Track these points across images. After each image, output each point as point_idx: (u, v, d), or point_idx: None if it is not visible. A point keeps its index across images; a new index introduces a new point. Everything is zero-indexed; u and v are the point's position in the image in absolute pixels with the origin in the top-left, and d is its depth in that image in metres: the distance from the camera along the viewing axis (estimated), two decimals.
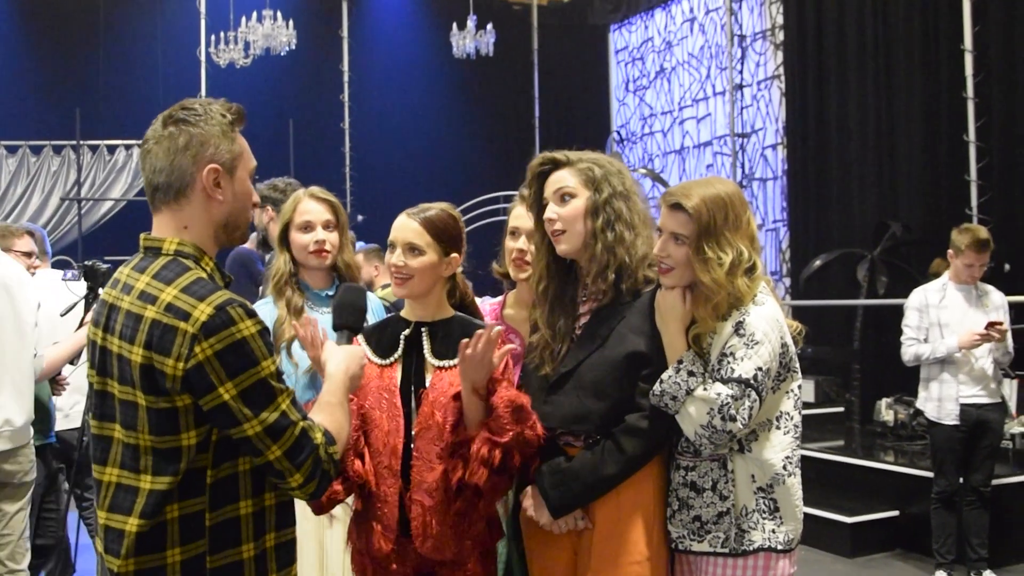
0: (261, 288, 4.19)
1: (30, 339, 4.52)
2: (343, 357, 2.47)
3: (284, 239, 3.54)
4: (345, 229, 3.58)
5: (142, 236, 2.24)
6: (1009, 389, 6.39)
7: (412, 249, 2.82)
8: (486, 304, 3.41)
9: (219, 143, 2.18)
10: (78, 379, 5.04)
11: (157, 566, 2.09)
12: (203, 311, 2.04)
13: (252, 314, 2.11)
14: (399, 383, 2.82)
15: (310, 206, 3.52)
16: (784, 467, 2.74)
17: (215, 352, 2.03)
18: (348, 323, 2.72)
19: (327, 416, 2.26)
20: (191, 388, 2.04)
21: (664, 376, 2.72)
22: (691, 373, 2.69)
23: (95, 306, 2.27)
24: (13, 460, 4.44)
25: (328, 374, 2.43)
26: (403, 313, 2.94)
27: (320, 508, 2.78)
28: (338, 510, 3.06)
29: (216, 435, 2.11)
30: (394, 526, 2.74)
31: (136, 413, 2.10)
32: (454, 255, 2.88)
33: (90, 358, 2.24)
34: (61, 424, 5.19)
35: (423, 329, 2.87)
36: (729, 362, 2.67)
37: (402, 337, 2.87)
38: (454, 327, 2.88)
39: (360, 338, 2.89)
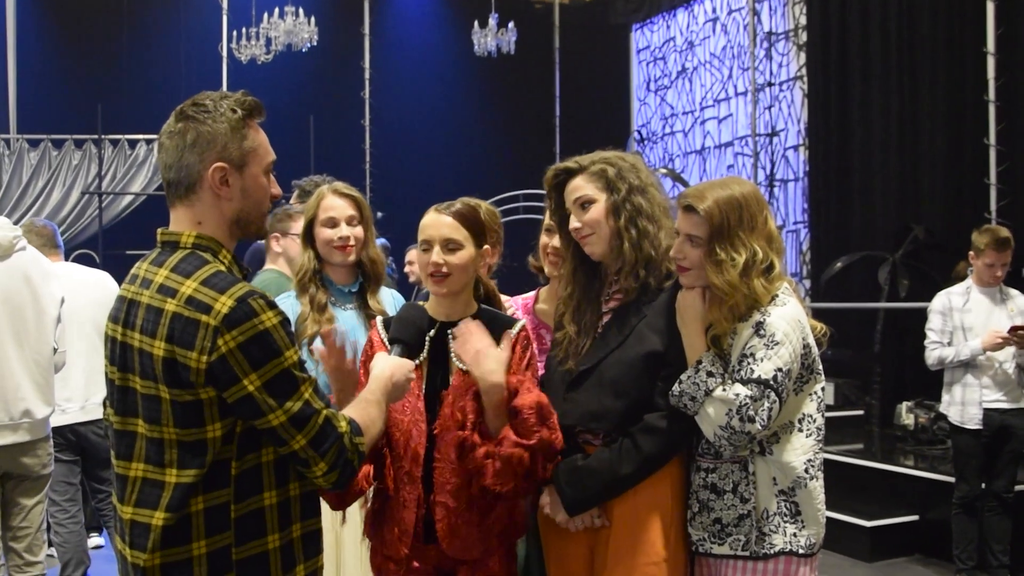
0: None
1: (50, 332, 4.54)
2: (390, 363, 2.49)
3: (308, 235, 3.53)
4: (369, 224, 3.58)
5: (159, 231, 2.24)
6: None
7: (449, 245, 2.78)
8: (518, 300, 3.41)
9: (227, 140, 2.17)
10: (95, 373, 5.05)
11: (183, 559, 2.09)
12: (224, 303, 2.05)
13: (273, 305, 2.11)
14: (424, 387, 2.78)
15: (334, 202, 3.51)
16: (806, 470, 2.71)
17: (238, 344, 2.03)
18: (403, 338, 2.69)
19: (359, 410, 2.28)
20: (215, 381, 2.04)
21: (683, 376, 2.71)
22: (710, 373, 2.67)
23: (114, 303, 2.26)
24: (32, 453, 4.46)
25: (373, 376, 2.44)
26: (429, 310, 2.88)
27: (339, 502, 2.77)
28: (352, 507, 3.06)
29: (240, 426, 2.11)
30: (411, 530, 2.72)
31: (160, 407, 2.09)
32: (486, 247, 2.88)
33: (109, 354, 2.23)
34: (77, 416, 5.19)
35: (449, 331, 2.82)
36: (749, 363, 2.65)
37: (428, 339, 2.83)
38: (479, 324, 2.83)
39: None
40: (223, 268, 2.16)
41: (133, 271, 2.25)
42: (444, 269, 2.77)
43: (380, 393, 2.38)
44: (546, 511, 2.86)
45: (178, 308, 2.07)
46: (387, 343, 2.78)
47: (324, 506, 2.85)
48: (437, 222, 2.81)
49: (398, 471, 2.75)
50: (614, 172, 2.88)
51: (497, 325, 2.82)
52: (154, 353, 2.08)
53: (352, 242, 3.48)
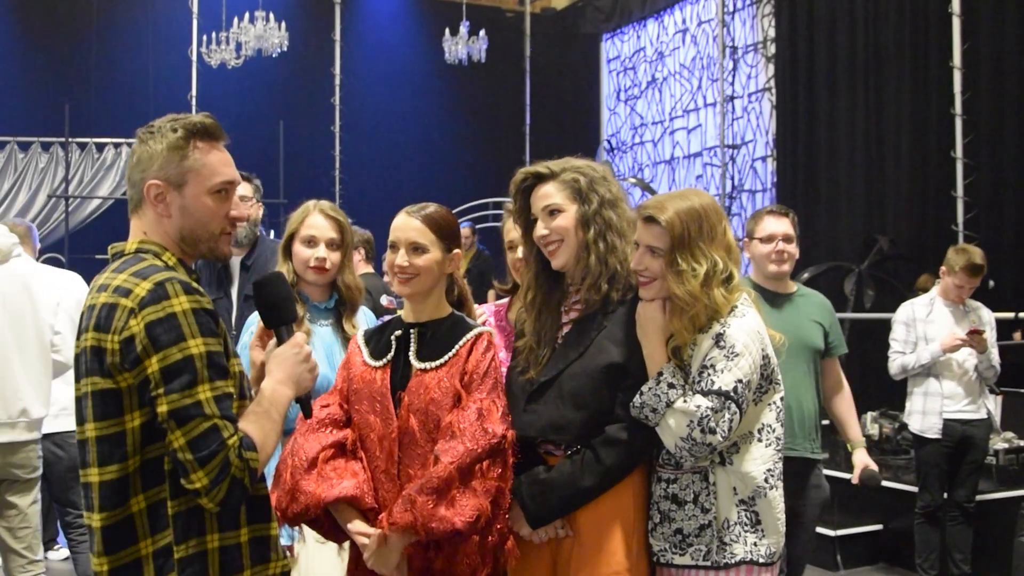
0: None
1: (47, 337, 4.65)
2: (274, 365, 2.33)
3: (288, 250, 3.52)
4: (349, 249, 3.55)
5: (110, 247, 2.30)
6: (994, 405, 6.40)
7: (416, 248, 2.80)
8: (491, 307, 3.41)
9: (164, 160, 2.22)
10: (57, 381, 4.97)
11: (133, 559, 2.09)
12: (143, 287, 2.08)
13: (191, 291, 2.11)
14: (390, 385, 2.80)
15: (317, 221, 3.47)
16: (766, 480, 2.73)
17: (145, 324, 2.05)
18: (284, 319, 2.45)
19: (250, 423, 2.16)
20: (125, 361, 2.05)
21: (644, 388, 2.71)
22: (671, 385, 2.68)
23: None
24: (24, 453, 4.51)
25: (261, 386, 2.30)
26: (402, 314, 2.92)
27: (290, 518, 2.73)
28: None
29: None
30: None
31: (85, 403, 2.12)
32: (456, 251, 2.90)
33: (75, 374, 2.24)
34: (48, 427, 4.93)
35: (412, 331, 2.86)
36: (709, 374, 2.67)
37: (393, 338, 2.86)
38: (445, 327, 2.86)
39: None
40: (160, 264, 2.19)
41: (91, 285, 2.28)
42: (410, 271, 2.80)
43: (268, 403, 2.23)
44: (509, 524, 2.86)
45: (107, 298, 2.11)
46: (367, 353, 2.84)
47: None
48: (406, 225, 2.84)
49: (375, 471, 2.77)
50: (586, 182, 2.86)
51: (463, 331, 2.84)
52: (87, 344, 2.11)
53: (328, 265, 3.45)
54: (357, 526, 2.70)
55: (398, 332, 2.86)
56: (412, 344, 2.84)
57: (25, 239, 5.32)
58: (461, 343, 2.80)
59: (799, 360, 4.27)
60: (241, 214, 2.36)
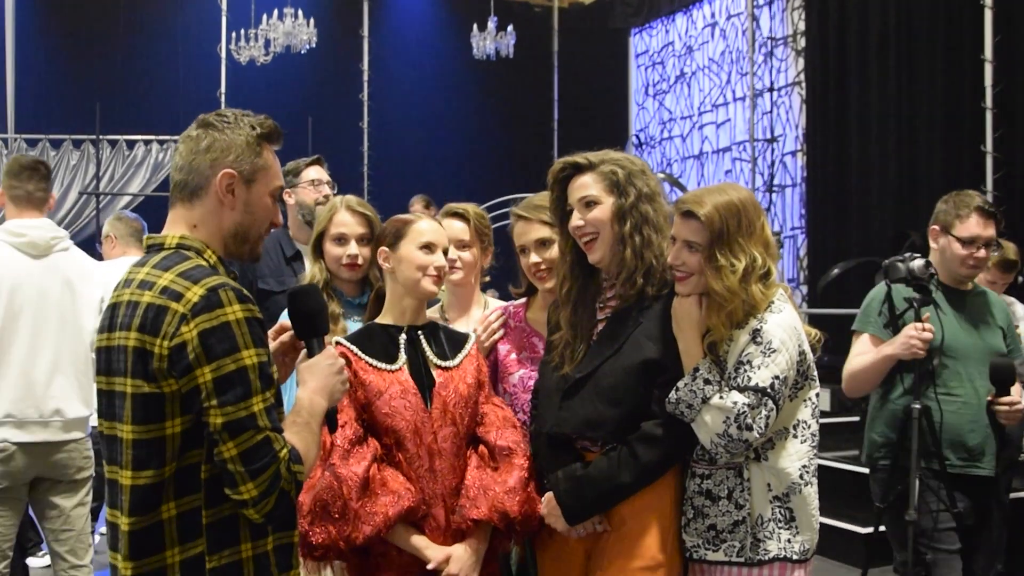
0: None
1: (88, 333, 4.46)
2: (308, 375, 2.30)
3: (318, 248, 3.52)
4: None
5: (145, 237, 2.28)
6: None
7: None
8: (509, 307, 3.40)
9: (241, 152, 2.22)
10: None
11: (158, 567, 2.07)
12: (196, 292, 2.05)
13: (243, 299, 2.09)
14: (415, 385, 2.85)
15: (345, 218, 3.46)
16: (801, 476, 2.72)
17: (199, 332, 2.02)
18: (316, 331, 2.42)
19: (295, 435, 2.16)
20: (174, 368, 2.03)
21: (680, 384, 2.70)
22: (707, 381, 2.67)
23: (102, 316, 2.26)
24: (63, 453, 4.36)
25: (297, 396, 2.29)
26: (384, 319, 2.98)
27: (316, 554, 2.71)
28: None
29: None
30: (443, 524, 2.80)
31: (123, 403, 2.09)
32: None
33: (96, 366, 2.24)
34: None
35: (419, 332, 2.96)
36: (746, 370, 2.65)
37: (402, 341, 2.92)
38: (438, 329, 3.02)
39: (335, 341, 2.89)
40: (205, 264, 2.17)
41: (121, 278, 2.25)
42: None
43: (308, 414, 2.23)
44: (547, 521, 2.85)
45: (153, 298, 2.08)
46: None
47: None
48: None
49: (418, 470, 2.80)
50: (624, 175, 2.84)
51: (454, 335, 3.05)
52: (128, 344, 2.08)
53: (360, 261, 3.45)
54: (432, 550, 2.76)
55: (403, 336, 2.93)
56: (424, 345, 2.94)
57: (136, 235, 5.28)
58: (470, 344, 3.01)
59: (983, 365, 3.89)
60: (279, 220, 2.37)
